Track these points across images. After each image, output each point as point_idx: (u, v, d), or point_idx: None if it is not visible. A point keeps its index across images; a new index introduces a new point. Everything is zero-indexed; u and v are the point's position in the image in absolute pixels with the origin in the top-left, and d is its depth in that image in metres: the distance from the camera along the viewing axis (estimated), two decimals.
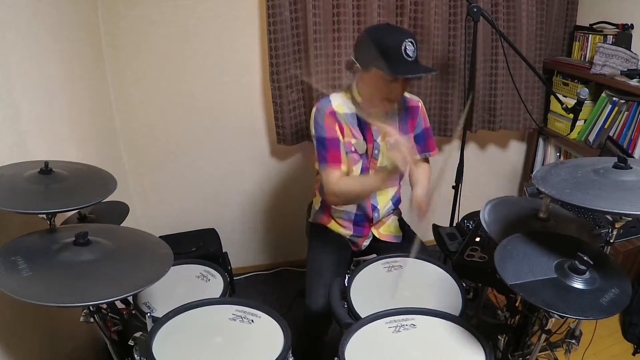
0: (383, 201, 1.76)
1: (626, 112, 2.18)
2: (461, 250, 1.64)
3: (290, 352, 1.17)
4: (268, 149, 2.49)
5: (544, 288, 1.04)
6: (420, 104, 1.72)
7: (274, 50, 2.10)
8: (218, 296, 1.45)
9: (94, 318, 1.20)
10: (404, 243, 1.80)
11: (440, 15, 2.27)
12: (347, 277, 1.47)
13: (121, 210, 1.58)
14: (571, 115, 2.09)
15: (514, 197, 2.50)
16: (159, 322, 1.23)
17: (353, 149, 1.62)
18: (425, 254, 1.58)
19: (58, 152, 1.57)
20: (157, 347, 1.15)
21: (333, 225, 1.79)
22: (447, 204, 2.29)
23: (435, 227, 1.83)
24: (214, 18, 2.15)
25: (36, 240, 1.12)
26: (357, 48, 1.52)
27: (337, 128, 1.57)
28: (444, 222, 2.10)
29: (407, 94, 1.69)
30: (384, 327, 1.22)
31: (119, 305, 1.44)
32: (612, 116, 2.24)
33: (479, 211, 1.49)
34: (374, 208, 1.75)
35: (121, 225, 1.48)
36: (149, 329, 1.22)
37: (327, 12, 2.14)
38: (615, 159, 1.15)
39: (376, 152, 1.65)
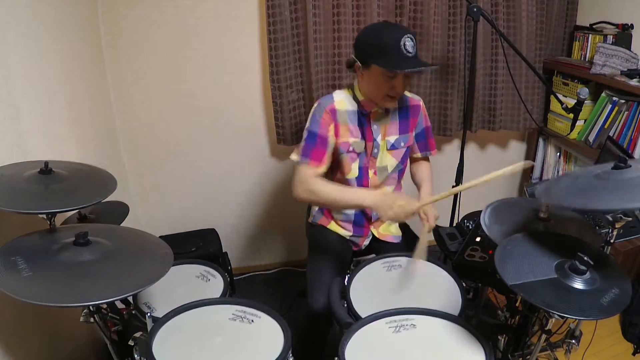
0: None
1: (626, 112, 2.18)
2: (461, 250, 1.64)
3: (290, 352, 1.17)
4: (268, 149, 2.49)
5: (544, 288, 1.04)
6: (422, 103, 1.72)
7: (274, 50, 2.10)
8: (218, 296, 1.45)
9: (94, 318, 1.20)
10: (403, 243, 1.80)
11: (440, 15, 2.27)
12: (346, 276, 1.47)
13: (121, 210, 1.58)
14: (571, 115, 2.09)
15: (514, 198, 2.50)
16: (159, 322, 1.23)
17: (350, 149, 1.61)
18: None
19: (58, 152, 1.57)
20: (157, 347, 1.15)
21: (333, 226, 1.79)
22: (447, 204, 2.29)
23: (435, 227, 1.83)
24: (214, 18, 2.15)
25: (36, 240, 1.12)
26: (357, 46, 1.52)
27: (331, 128, 1.56)
28: (444, 222, 2.10)
29: (408, 93, 1.70)
30: (384, 327, 1.22)
31: (119, 305, 1.44)
32: (612, 116, 2.24)
33: (479, 211, 1.49)
34: None
35: (121, 225, 1.48)
36: (149, 329, 1.23)
37: (327, 12, 2.14)
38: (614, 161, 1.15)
39: (375, 151, 1.65)
